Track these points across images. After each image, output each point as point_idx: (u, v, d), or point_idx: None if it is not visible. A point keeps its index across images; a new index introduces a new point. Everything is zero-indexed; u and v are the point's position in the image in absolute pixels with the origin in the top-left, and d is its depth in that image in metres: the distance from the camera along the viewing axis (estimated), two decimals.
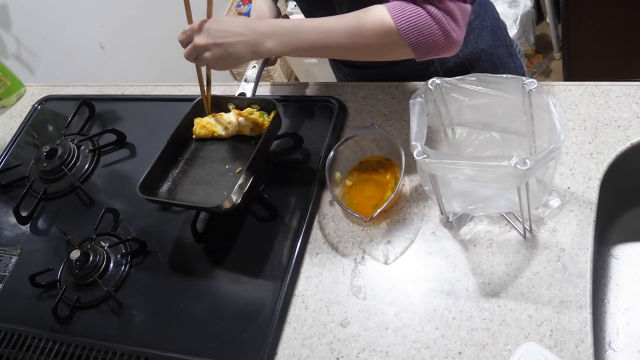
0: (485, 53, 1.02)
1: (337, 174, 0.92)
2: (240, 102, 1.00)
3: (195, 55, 0.86)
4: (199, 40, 0.84)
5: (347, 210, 0.86)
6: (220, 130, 0.99)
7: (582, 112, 0.90)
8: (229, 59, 0.84)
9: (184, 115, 1.01)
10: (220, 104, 1.03)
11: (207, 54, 0.84)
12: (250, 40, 0.82)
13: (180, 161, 1.00)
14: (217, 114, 1.01)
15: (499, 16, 1.07)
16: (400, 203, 0.89)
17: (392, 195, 0.84)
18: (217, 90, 1.16)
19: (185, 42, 0.87)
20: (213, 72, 0.93)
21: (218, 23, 0.84)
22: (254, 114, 0.98)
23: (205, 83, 0.97)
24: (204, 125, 1.00)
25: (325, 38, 0.80)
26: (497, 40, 1.04)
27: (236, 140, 1.00)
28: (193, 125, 1.01)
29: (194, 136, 1.01)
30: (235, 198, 0.87)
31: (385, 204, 0.83)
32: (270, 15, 1.04)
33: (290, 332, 0.82)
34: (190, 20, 0.88)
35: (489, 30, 1.02)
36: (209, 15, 0.87)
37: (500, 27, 1.06)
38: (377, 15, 0.77)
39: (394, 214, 0.88)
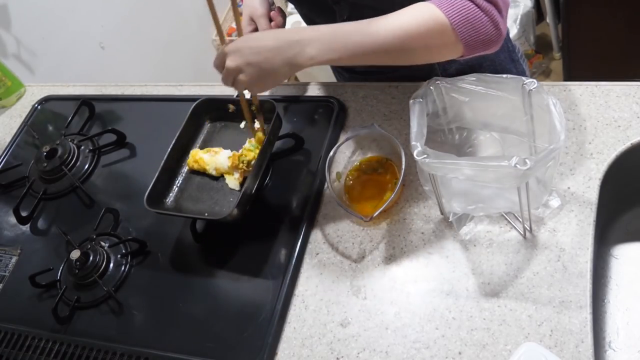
0: (487, 59, 1.01)
1: (337, 174, 0.92)
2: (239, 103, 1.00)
3: (232, 80, 0.79)
4: (230, 62, 0.78)
5: (347, 210, 0.86)
6: (210, 170, 0.97)
7: (582, 112, 0.90)
8: (265, 77, 0.78)
9: (184, 117, 1.01)
10: (219, 105, 1.03)
11: (241, 76, 0.78)
12: (287, 52, 0.75)
13: (184, 167, 1.00)
14: (212, 150, 0.99)
15: None
16: (400, 203, 0.89)
17: (392, 196, 0.84)
18: (216, 90, 1.16)
19: (220, 67, 0.80)
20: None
21: (248, 40, 0.78)
22: (245, 158, 0.94)
23: (250, 110, 0.92)
24: (197, 160, 0.97)
25: (372, 40, 0.74)
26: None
27: None
28: (194, 129, 1.02)
29: (187, 167, 0.99)
30: (242, 206, 0.87)
31: (385, 204, 0.83)
32: (262, 8, 0.97)
33: (290, 332, 0.82)
34: (222, 41, 0.82)
35: None
36: (238, 31, 0.82)
37: None
38: (427, 12, 0.72)
39: (394, 214, 0.88)
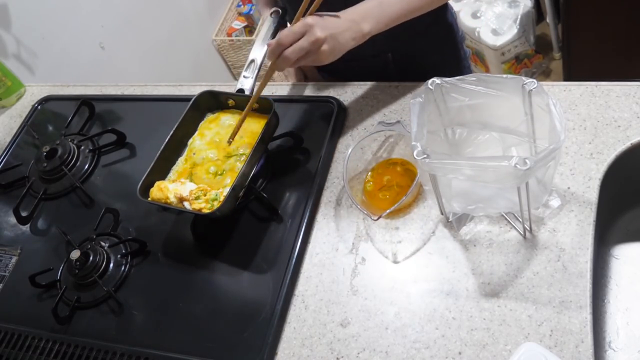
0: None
1: (358, 168, 0.92)
2: (239, 99, 1.00)
3: (307, 50, 0.84)
4: (320, 33, 0.83)
5: (357, 206, 0.85)
6: (171, 198, 0.92)
7: (582, 112, 0.90)
8: (338, 50, 0.86)
9: (183, 115, 1.01)
10: (220, 101, 1.03)
11: (324, 47, 0.84)
12: (352, 29, 0.86)
13: (180, 158, 1.00)
14: (180, 180, 0.95)
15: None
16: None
17: (404, 198, 0.83)
18: (216, 90, 1.16)
19: (297, 36, 0.84)
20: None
21: (326, 18, 0.85)
22: (202, 201, 0.91)
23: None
24: (161, 188, 0.93)
25: (408, 5, 0.90)
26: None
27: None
28: (192, 124, 1.01)
29: (149, 199, 0.93)
30: (231, 203, 0.87)
31: (395, 205, 0.82)
32: None
33: (290, 332, 0.82)
34: (298, 19, 0.86)
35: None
36: (313, 11, 0.86)
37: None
38: None
39: (393, 214, 0.88)
